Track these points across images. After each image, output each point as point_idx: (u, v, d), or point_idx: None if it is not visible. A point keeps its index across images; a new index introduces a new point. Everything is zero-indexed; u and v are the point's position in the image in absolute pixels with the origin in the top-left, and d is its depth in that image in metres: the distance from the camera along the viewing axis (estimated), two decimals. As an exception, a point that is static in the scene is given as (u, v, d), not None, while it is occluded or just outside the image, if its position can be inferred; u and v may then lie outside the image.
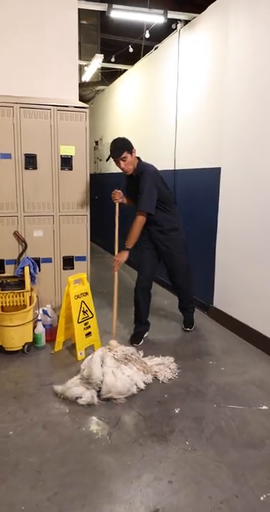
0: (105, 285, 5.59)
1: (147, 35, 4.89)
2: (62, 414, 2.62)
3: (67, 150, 3.81)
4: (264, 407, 2.74)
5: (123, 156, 3.30)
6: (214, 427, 2.53)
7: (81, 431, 2.46)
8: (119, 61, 6.45)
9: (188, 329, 3.99)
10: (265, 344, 3.54)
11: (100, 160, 7.82)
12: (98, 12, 7.92)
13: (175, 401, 2.80)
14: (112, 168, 7.19)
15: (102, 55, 5.54)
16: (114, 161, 3.39)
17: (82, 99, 8.49)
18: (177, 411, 2.69)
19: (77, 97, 4.02)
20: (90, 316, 3.50)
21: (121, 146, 3.32)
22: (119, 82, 6.78)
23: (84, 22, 8.05)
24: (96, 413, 2.64)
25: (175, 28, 4.69)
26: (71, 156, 3.83)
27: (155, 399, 2.82)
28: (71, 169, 3.85)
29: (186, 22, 4.57)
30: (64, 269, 3.97)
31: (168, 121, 5.07)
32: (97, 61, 5.67)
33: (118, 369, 2.86)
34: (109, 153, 3.36)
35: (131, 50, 5.23)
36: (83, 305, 3.44)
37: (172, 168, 5.02)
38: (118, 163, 3.39)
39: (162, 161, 5.26)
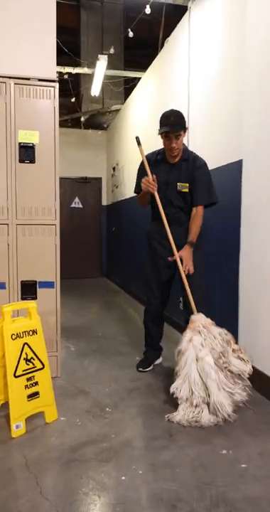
0: (105, 327, 4.33)
1: (148, 10, 3.86)
2: None
3: (27, 136, 2.74)
4: None
5: (180, 132, 2.64)
6: None
7: None
8: (139, 69, 5.49)
9: None
10: None
11: (117, 187, 6.79)
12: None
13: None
14: (128, 192, 6.12)
15: (106, 56, 4.58)
16: (165, 136, 2.67)
17: (100, 126, 7.69)
18: None
19: (55, 74, 2.96)
20: (39, 367, 2.25)
21: (181, 120, 2.65)
22: (133, 96, 5.82)
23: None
24: None
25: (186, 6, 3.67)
26: (33, 144, 2.75)
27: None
28: (33, 162, 2.75)
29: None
30: (23, 298, 2.77)
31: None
32: (102, 65, 4.73)
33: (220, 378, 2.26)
34: (162, 125, 2.65)
35: (130, 34, 4.24)
36: (26, 349, 2.20)
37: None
38: (169, 140, 2.66)
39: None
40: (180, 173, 2.74)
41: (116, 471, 1.83)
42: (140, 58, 5.23)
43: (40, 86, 2.75)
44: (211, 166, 2.86)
